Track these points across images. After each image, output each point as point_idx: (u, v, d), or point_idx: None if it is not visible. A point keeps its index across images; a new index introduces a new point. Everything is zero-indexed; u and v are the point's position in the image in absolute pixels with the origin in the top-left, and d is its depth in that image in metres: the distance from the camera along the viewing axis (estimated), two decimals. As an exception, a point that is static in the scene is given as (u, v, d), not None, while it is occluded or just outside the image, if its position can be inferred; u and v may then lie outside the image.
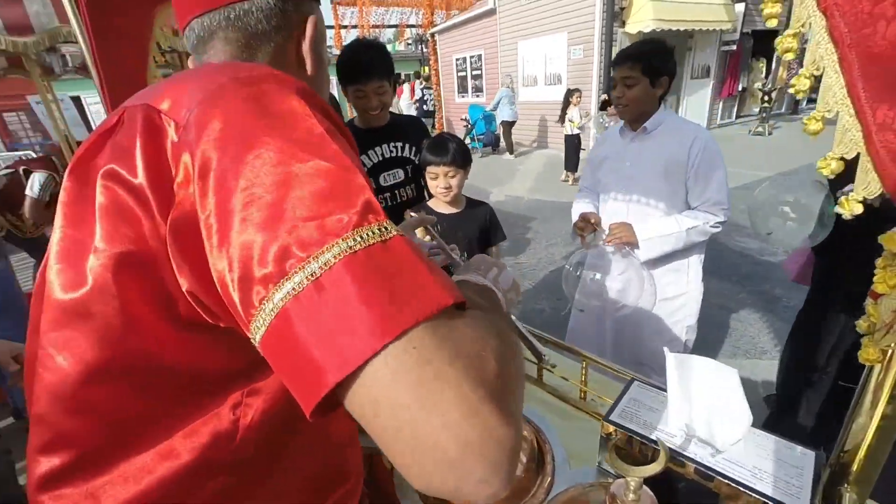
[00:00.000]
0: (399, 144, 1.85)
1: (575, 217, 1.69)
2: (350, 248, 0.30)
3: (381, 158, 1.88)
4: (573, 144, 6.68)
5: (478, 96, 11.91)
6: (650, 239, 1.53)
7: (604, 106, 6.42)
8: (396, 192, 1.93)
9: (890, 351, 0.53)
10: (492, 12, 10.03)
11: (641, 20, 7.58)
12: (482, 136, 10.43)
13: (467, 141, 11.11)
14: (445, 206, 1.66)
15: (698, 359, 0.67)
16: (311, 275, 0.29)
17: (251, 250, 0.30)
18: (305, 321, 0.29)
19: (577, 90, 6.75)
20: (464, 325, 0.32)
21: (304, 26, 0.56)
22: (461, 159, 1.56)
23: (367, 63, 1.72)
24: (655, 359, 1.70)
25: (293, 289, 0.29)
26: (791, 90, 0.52)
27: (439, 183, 1.57)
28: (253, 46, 0.53)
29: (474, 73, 11.82)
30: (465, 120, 10.70)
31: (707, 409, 0.65)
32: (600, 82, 7.82)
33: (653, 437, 0.65)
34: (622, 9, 7.66)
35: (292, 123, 0.35)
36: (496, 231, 1.75)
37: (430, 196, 1.76)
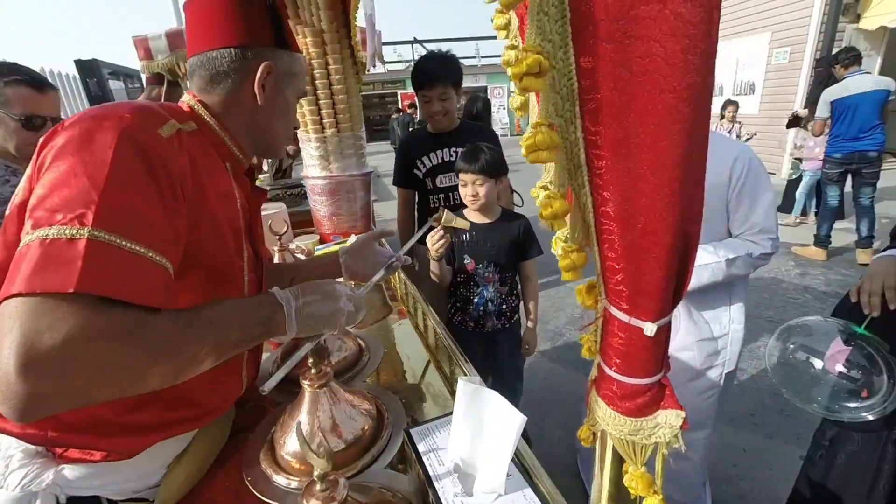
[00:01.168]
0: (459, 150, 1.92)
1: None
2: (47, 234, 0.48)
3: (440, 161, 1.99)
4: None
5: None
6: None
7: (794, 122, 5.00)
8: (450, 194, 2.01)
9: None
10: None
11: (888, 12, 5.89)
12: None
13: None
14: (477, 216, 1.67)
15: (492, 395, 0.61)
16: (30, 240, 0.48)
17: (30, 217, 0.51)
18: (16, 260, 0.48)
19: (734, 102, 5.63)
20: (67, 311, 0.45)
21: (258, 69, 0.75)
22: (491, 169, 1.55)
23: (432, 71, 1.85)
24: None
25: (25, 243, 0.49)
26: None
27: (468, 190, 1.59)
28: (216, 80, 0.75)
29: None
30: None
31: (485, 450, 0.59)
32: (807, 91, 6.35)
33: (424, 459, 0.62)
34: (855, 0, 6.07)
35: (92, 150, 0.54)
36: (531, 245, 1.69)
37: None
